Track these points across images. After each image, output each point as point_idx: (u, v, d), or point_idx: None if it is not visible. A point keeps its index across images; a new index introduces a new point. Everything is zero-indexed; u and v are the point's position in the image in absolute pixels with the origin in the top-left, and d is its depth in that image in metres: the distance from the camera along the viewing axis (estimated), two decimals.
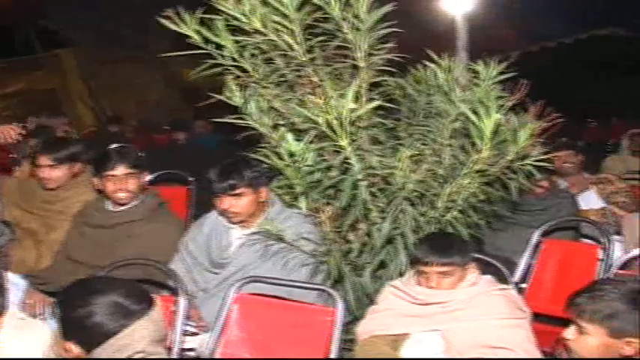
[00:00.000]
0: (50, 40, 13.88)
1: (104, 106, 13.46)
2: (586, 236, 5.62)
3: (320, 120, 3.57)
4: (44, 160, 4.76)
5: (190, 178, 6.16)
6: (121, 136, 9.71)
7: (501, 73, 3.96)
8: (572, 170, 6.61)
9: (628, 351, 2.72)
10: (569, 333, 2.87)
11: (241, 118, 4.15)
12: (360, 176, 3.76)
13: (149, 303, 2.60)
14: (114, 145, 4.96)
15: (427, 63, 4.17)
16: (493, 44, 9.94)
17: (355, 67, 3.97)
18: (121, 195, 4.48)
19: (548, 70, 13.95)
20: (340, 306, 3.58)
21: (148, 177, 4.78)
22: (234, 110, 4.17)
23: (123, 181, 4.45)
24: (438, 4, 7.94)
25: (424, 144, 4.06)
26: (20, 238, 4.85)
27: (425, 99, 4.21)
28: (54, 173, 4.77)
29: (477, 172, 3.82)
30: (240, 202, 4.06)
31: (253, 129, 4.18)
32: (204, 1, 3.99)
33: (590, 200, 6.07)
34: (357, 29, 3.83)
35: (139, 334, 2.52)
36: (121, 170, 4.45)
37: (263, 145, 4.21)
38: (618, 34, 11.63)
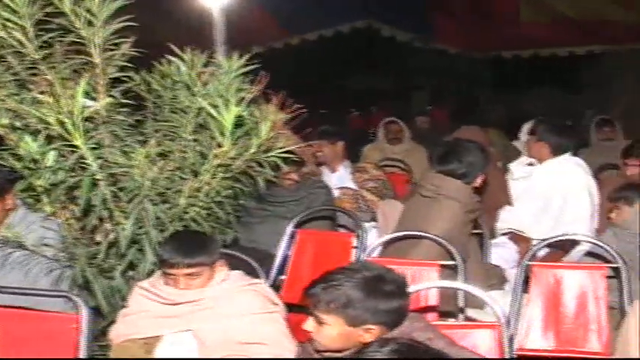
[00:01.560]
0: None
1: None
2: (344, 226, 5.76)
3: (51, 120, 3.41)
4: None
5: None
6: None
7: (246, 65, 3.95)
8: (327, 159, 6.77)
9: (368, 338, 2.75)
10: (309, 325, 2.87)
11: None
12: (98, 175, 3.64)
13: None
14: None
15: (172, 58, 4.08)
16: (254, 37, 10.01)
17: (93, 63, 3.84)
18: None
19: (311, 61, 14.27)
20: (84, 312, 3.44)
21: None
22: None
23: None
24: None
25: (170, 140, 3.99)
26: None
27: (170, 94, 4.12)
28: None
29: (220, 166, 3.79)
30: None
31: None
32: None
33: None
34: (91, 24, 3.70)
35: None
36: None
37: (2, 148, 4.00)
38: (375, 26, 11.98)
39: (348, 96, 15.86)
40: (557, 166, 5.45)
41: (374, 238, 5.22)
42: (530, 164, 5.73)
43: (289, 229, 4.94)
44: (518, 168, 5.77)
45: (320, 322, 2.82)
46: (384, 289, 2.81)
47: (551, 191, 5.42)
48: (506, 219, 5.61)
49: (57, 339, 3.46)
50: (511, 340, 3.40)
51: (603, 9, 10.21)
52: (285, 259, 4.86)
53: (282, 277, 4.77)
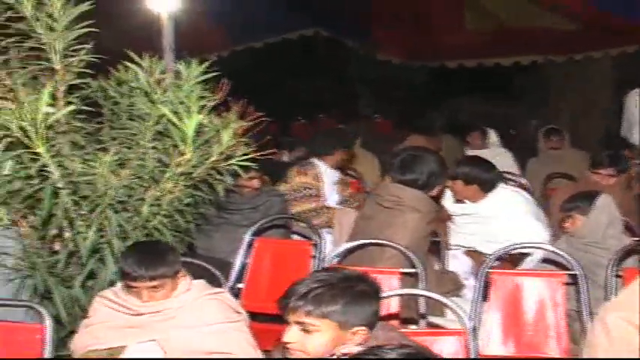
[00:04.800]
0: None
1: None
2: (297, 233, 5.77)
3: (13, 126, 3.36)
4: None
5: None
6: None
7: (205, 73, 3.93)
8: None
9: (356, 340, 2.75)
10: (293, 336, 2.78)
11: None
12: (60, 184, 3.59)
13: None
14: None
15: (129, 64, 4.04)
16: (200, 44, 9.95)
17: (52, 69, 3.79)
18: None
19: (256, 69, 14.27)
20: (48, 322, 3.41)
21: None
22: None
23: None
24: (143, 3, 7.79)
25: (128, 147, 3.95)
26: None
27: (127, 101, 4.07)
28: None
29: (182, 174, 3.77)
30: None
31: None
32: None
33: None
34: (52, 29, 3.65)
35: None
36: None
37: None
38: (322, 34, 12.05)
39: (294, 104, 15.85)
40: (497, 201, 5.40)
41: (330, 247, 5.24)
42: (460, 201, 5.66)
43: (247, 237, 4.93)
44: (453, 207, 5.65)
45: (307, 331, 2.76)
46: (367, 291, 2.81)
47: (498, 219, 5.37)
48: (457, 239, 5.60)
49: (21, 349, 3.42)
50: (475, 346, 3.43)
51: (544, 18, 10.33)
52: (242, 267, 4.84)
53: (240, 285, 4.75)
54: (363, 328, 2.76)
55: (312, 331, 2.73)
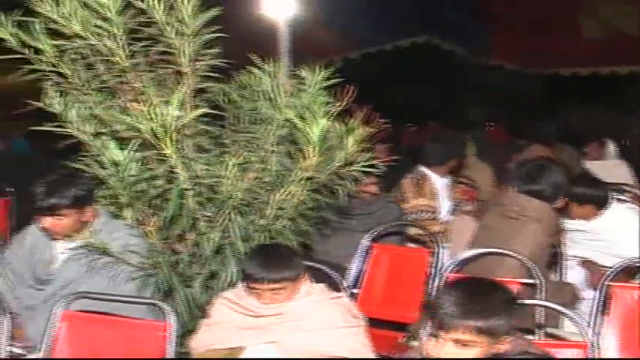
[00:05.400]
0: None
1: None
2: (413, 240, 5.74)
3: (144, 128, 3.44)
4: None
5: (8, 189, 5.90)
6: None
7: (327, 79, 3.95)
8: None
9: (502, 349, 2.74)
10: (449, 352, 2.73)
11: (60, 126, 3.96)
12: (186, 185, 3.66)
13: None
14: None
15: (251, 68, 4.09)
16: (315, 50, 10.04)
17: (179, 72, 3.87)
18: None
19: (369, 76, 14.28)
20: (172, 320, 3.48)
21: None
22: (53, 117, 3.97)
23: None
24: (259, 9, 7.91)
25: (250, 151, 4.00)
26: None
27: (249, 105, 4.13)
28: None
29: (307, 179, 3.79)
30: (61, 222, 3.86)
31: (72, 137, 4.00)
32: (21, 3, 3.78)
33: None
34: (182, 34, 3.73)
35: None
36: None
37: (84, 154, 4.03)
38: (433, 42, 12.03)
39: (403, 111, 15.79)
40: (613, 218, 5.26)
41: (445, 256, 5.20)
42: None
43: (365, 242, 4.93)
44: (569, 223, 5.52)
45: (465, 345, 2.71)
46: (510, 300, 2.82)
47: (614, 234, 5.22)
48: (573, 250, 5.48)
49: (143, 346, 3.50)
50: None
51: None
52: (358, 272, 4.85)
53: (356, 290, 4.76)
54: (508, 337, 2.75)
55: (470, 346, 2.71)
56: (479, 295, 2.77)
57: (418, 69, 16.24)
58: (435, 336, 2.76)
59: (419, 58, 15.08)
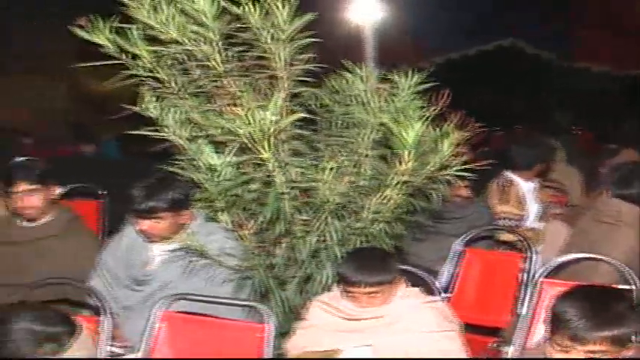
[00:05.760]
0: None
1: None
2: (501, 244, 5.68)
3: (242, 132, 3.48)
4: None
5: (101, 192, 6.02)
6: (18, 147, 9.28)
7: (419, 83, 3.94)
8: None
9: (627, 354, 2.73)
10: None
11: (156, 130, 4.03)
12: (282, 189, 3.69)
13: (70, 326, 2.53)
14: (17, 160, 4.77)
15: (343, 73, 4.10)
16: (398, 55, 10.03)
17: (273, 77, 3.90)
18: (27, 211, 4.35)
19: (455, 79, 14.18)
20: (271, 322, 3.52)
21: (58, 191, 4.58)
22: (148, 121, 4.04)
23: (26, 198, 4.30)
24: (347, 14, 7.95)
25: (344, 155, 4.01)
26: None
27: (342, 109, 4.14)
28: None
29: (404, 183, 3.79)
30: (159, 225, 3.93)
31: (165, 141, 4.07)
32: (118, 10, 3.86)
33: None
34: (277, 39, 3.76)
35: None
36: (22, 187, 4.31)
37: (178, 158, 4.10)
38: (518, 45, 11.92)
39: (489, 114, 15.66)
40: None
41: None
42: None
43: (458, 246, 4.91)
44: None
45: (596, 354, 2.71)
46: (634, 308, 2.79)
47: None
48: None
49: (241, 347, 3.54)
50: None
51: None
52: (450, 276, 4.82)
53: (447, 294, 4.73)
54: (633, 343, 2.73)
55: (601, 357, 2.70)
56: (606, 304, 2.75)
57: (503, 72, 16.10)
58: (565, 348, 2.74)
59: (504, 62, 14.97)
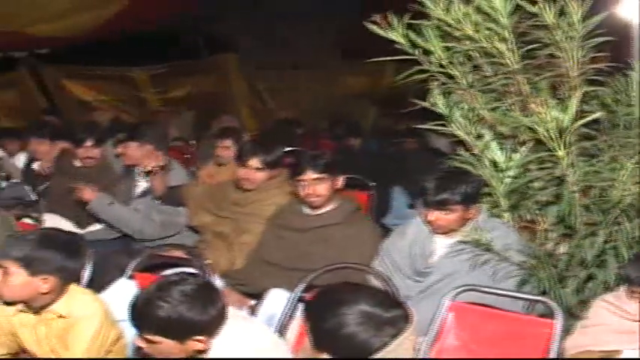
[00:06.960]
0: (217, 46, 13.95)
1: (273, 109, 13.62)
2: None
3: (540, 129, 3.50)
4: (254, 162, 4.90)
5: (371, 184, 6.18)
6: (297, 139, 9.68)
7: None
8: None
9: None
10: None
11: (443, 125, 4.13)
12: (575, 188, 3.69)
13: (403, 309, 2.58)
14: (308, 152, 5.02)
15: (628, 72, 4.03)
16: None
17: (559, 75, 3.89)
18: (312, 199, 4.54)
19: None
20: (560, 318, 3.50)
21: (341, 181, 4.76)
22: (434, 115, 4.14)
23: (312, 186, 4.50)
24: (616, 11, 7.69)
25: (625, 155, 3.93)
26: (211, 242, 4.98)
27: (624, 109, 4.07)
28: (258, 175, 4.89)
29: None
30: (448, 217, 4.01)
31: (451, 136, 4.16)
32: (412, 7, 3.97)
33: None
34: (571, 37, 3.75)
35: (404, 347, 2.52)
36: (309, 175, 4.50)
37: (459, 154, 4.17)
38: None
39: None
40: None
41: None
42: None
43: None
44: None
45: None
46: None
47: None
48: None
49: (529, 341, 3.54)
50: None
51: None
52: None
53: None
54: None
55: None
56: None
57: None
58: None
59: None
